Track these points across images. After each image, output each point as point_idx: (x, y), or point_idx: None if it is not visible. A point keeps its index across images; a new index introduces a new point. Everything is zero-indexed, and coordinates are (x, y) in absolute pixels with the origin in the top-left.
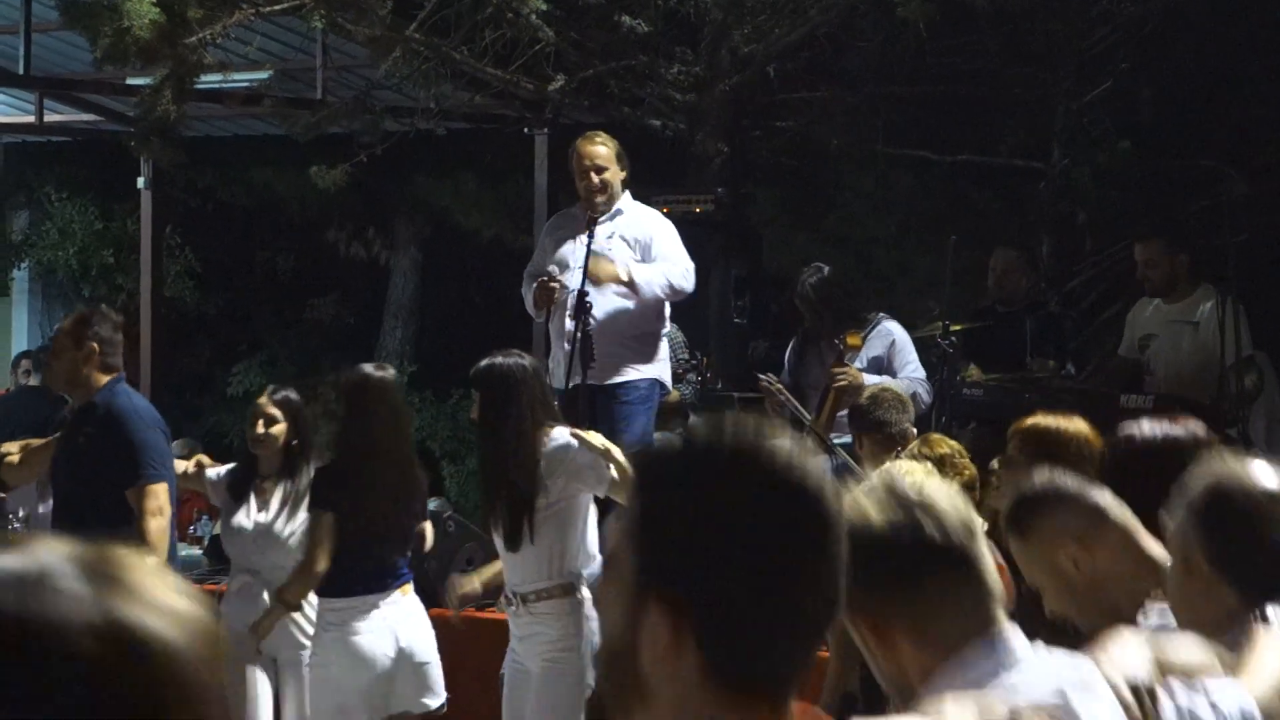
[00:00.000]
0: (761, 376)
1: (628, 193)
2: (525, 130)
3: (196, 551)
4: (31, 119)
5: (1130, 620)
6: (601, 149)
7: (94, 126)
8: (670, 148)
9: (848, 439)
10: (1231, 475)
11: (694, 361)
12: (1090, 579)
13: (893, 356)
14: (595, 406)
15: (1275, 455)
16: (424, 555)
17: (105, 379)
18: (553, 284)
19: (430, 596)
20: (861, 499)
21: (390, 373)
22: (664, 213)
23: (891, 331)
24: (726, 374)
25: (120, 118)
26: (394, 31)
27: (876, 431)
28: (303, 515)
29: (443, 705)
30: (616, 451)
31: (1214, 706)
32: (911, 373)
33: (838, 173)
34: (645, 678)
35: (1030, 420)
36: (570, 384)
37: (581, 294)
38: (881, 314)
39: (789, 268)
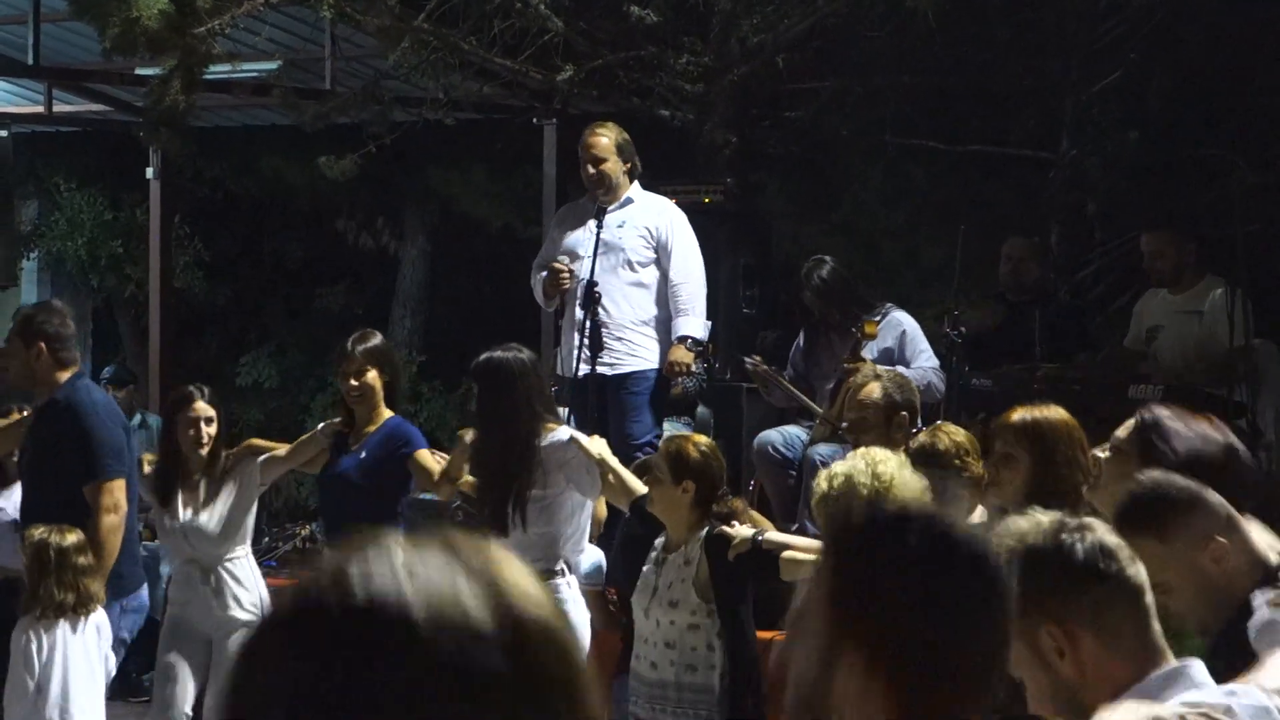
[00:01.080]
0: (746, 360)
1: (637, 183)
2: (534, 120)
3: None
4: (40, 109)
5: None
6: (601, 139)
7: (103, 117)
8: (679, 138)
9: None
10: None
11: (700, 348)
12: (1227, 576)
13: (904, 346)
14: (605, 396)
15: None
16: None
17: (64, 375)
18: (563, 273)
19: None
20: (1038, 518)
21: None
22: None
23: (901, 322)
24: (735, 364)
25: (129, 108)
26: (403, 21)
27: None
28: (226, 504)
29: None
30: (611, 459)
31: None
32: (924, 362)
33: (847, 163)
34: (839, 716)
35: (1015, 415)
36: (580, 373)
37: (591, 284)
38: (889, 304)
39: (798, 258)
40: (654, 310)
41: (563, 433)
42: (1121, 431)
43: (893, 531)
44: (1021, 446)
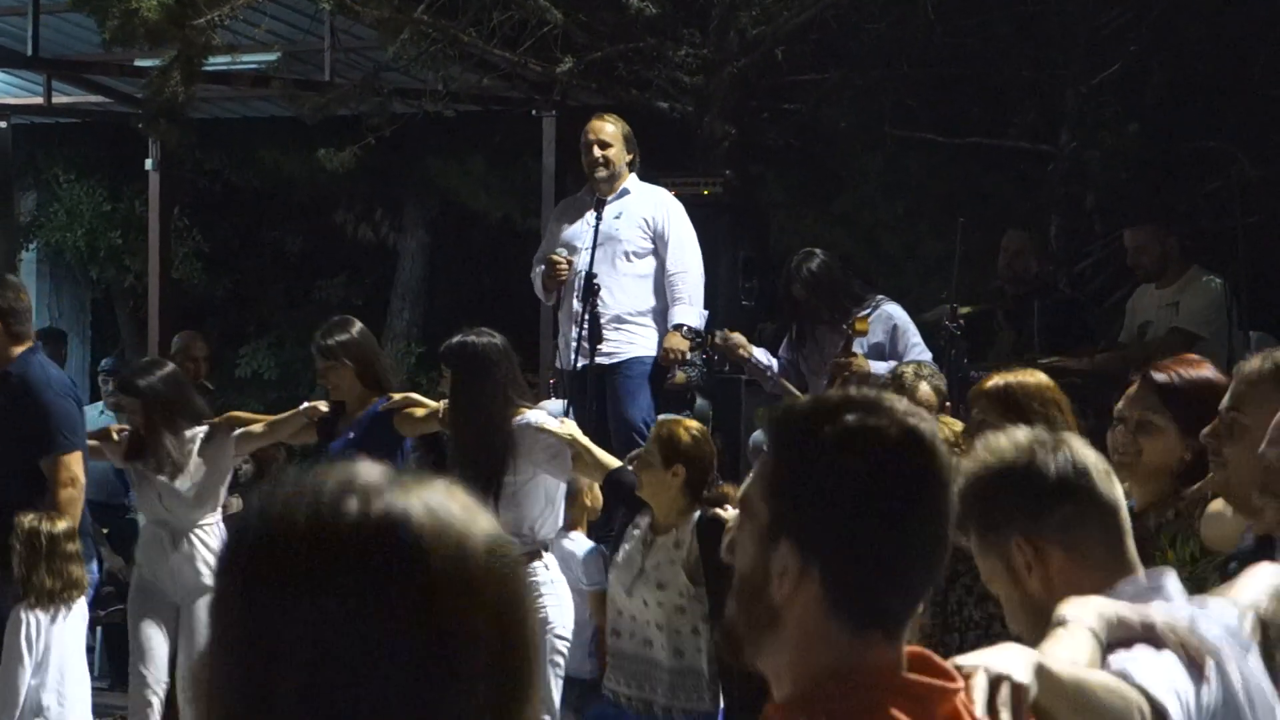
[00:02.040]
0: (716, 334)
1: (634, 175)
2: (533, 112)
3: None
4: (40, 100)
5: None
6: (608, 126)
7: (102, 108)
8: (678, 130)
9: None
10: None
11: (699, 340)
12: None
13: (895, 340)
14: (603, 385)
15: None
16: None
17: (18, 349)
18: (560, 266)
19: None
20: (1016, 435)
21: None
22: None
23: (892, 315)
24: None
25: (128, 99)
26: (402, 13)
27: None
28: (201, 471)
29: None
30: (581, 437)
31: None
32: (917, 355)
33: (846, 155)
34: (775, 609)
35: (989, 382)
36: (578, 365)
37: (589, 275)
38: (880, 296)
39: (797, 250)
40: (652, 301)
41: (531, 416)
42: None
43: (829, 418)
44: (995, 412)
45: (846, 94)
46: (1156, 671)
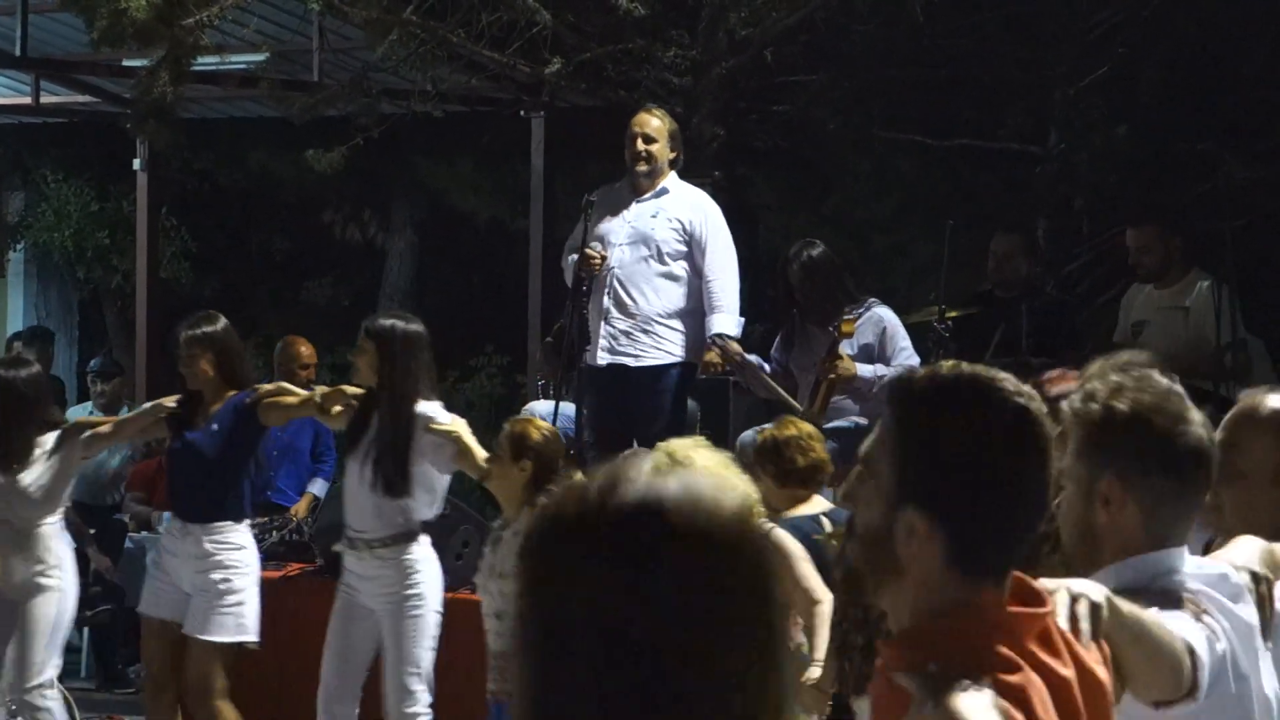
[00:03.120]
0: (717, 343)
1: (674, 173)
2: (522, 113)
3: None
4: (28, 100)
5: None
6: (654, 120)
7: (90, 108)
8: None
9: (843, 423)
10: None
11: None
12: None
13: (884, 343)
14: (628, 386)
15: None
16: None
17: None
18: (594, 259)
19: None
20: (1177, 394)
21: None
22: None
23: (883, 318)
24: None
25: (117, 99)
26: (391, 14)
27: None
28: (49, 473)
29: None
30: (467, 435)
31: None
32: (905, 359)
33: (835, 156)
34: (898, 559)
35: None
36: (602, 363)
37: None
38: (872, 299)
39: (785, 251)
40: (682, 303)
41: (424, 408)
42: None
43: (949, 395)
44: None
45: (835, 95)
46: (1179, 622)
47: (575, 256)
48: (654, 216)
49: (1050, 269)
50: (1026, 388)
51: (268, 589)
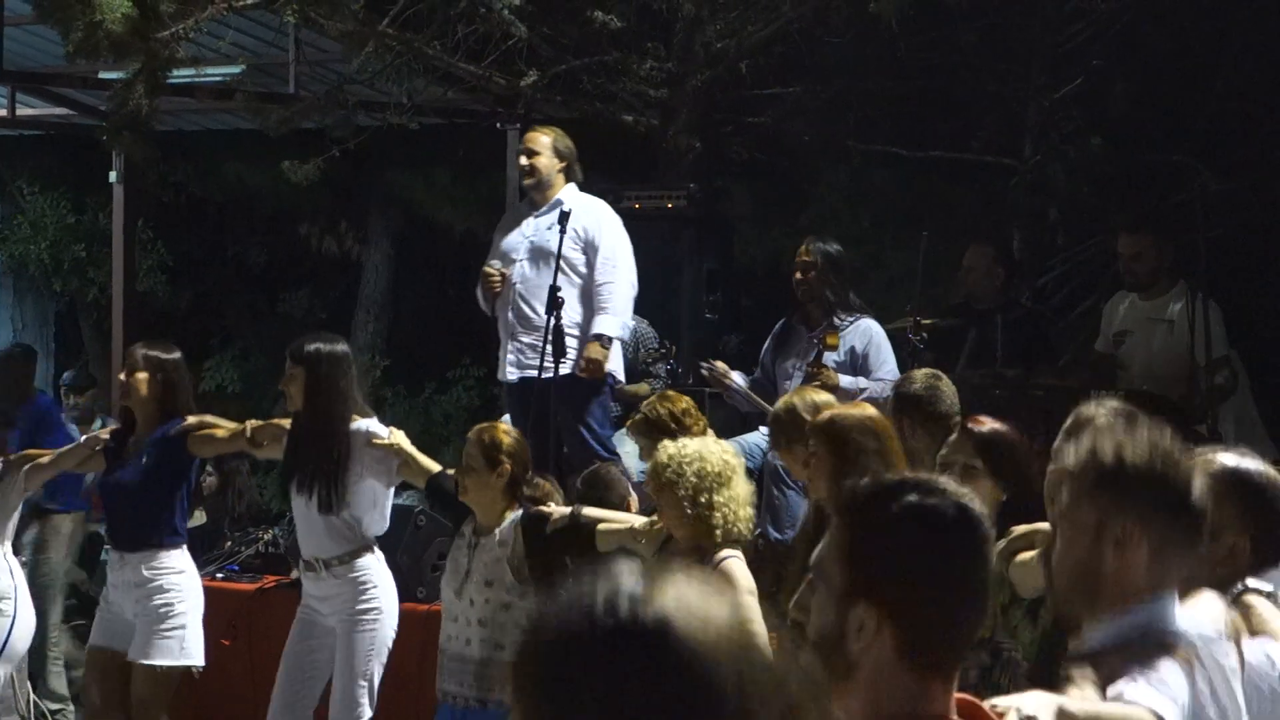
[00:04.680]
0: (703, 364)
1: (572, 185)
2: (498, 125)
3: None
4: (4, 112)
5: None
6: (540, 136)
7: (66, 120)
8: (643, 143)
9: None
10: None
11: (663, 350)
12: None
13: (869, 354)
14: (546, 400)
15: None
16: (395, 550)
17: None
18: (493, 278)
19: (406, 591)
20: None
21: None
22: (635, 209)
23: (870, 330)
24: (697, 369)
25: (93, 111)
26: (367, 26)
27: (935, 423)
28: None
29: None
30: (407, 445)
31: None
32: (887, 374)
33: (810, 168)
34: (852, 659)
35: (825, 416)
36: (511, 378)
37: (554, 288)
38: (864, 315)
39: (761, 263)
40: (585, 312)
41: (362, 424)
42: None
43: (894, 497)
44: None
45: (811, 107)
46: (1150, 688)
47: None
48: (549, 229)
49: (1024, 281)
50: (965, 490)
51: (245, 601)
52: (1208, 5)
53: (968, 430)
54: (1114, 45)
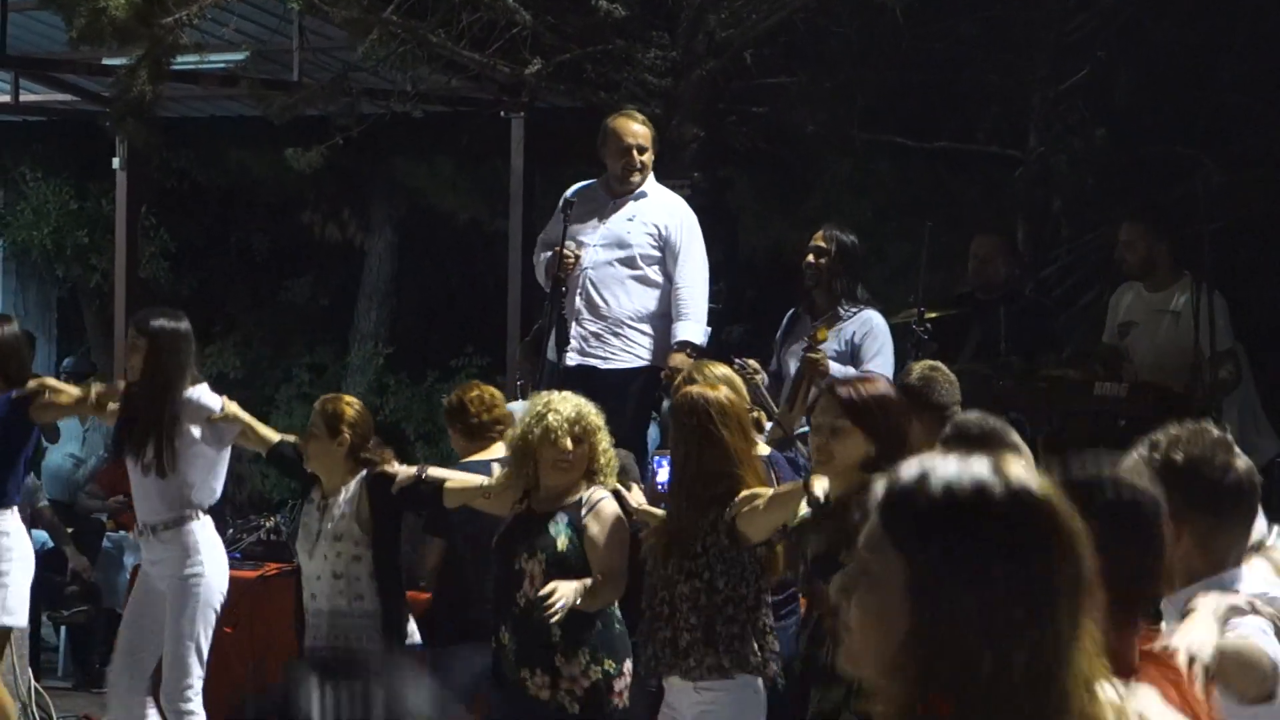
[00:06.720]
0: (736, 361)
1: (651, 176)
2: (502, 113)
3: None
4: (7, 99)
5: None
6: (644, 129)
7: (70, 106)
8: None
9: None
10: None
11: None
12: None
13: (863, 344)
14: (595, 388)
15: (1247, 448)
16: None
17: None
18: (568, 259)
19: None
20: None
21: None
22: None
23: (870, 320)
24: (701, 358)
25: (96, 98)
26: (371, 13)
27: (931, 414)
28: None
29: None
30: (243, 414)
31: None
32: (879, 366)
33: (814, 158)
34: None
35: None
36: (571, 364)
37: (558, 279)
38: (869, 307)
39: (765, 253)
40: (653, 307)
41: (194, 392)
42: None
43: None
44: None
45: (815, 97)
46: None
47: (548, 254)
48: (630, 220)
49: (1029, 272)
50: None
51: (247, 588)
52: None
53: (833, 393)
54: (1118, 37)
